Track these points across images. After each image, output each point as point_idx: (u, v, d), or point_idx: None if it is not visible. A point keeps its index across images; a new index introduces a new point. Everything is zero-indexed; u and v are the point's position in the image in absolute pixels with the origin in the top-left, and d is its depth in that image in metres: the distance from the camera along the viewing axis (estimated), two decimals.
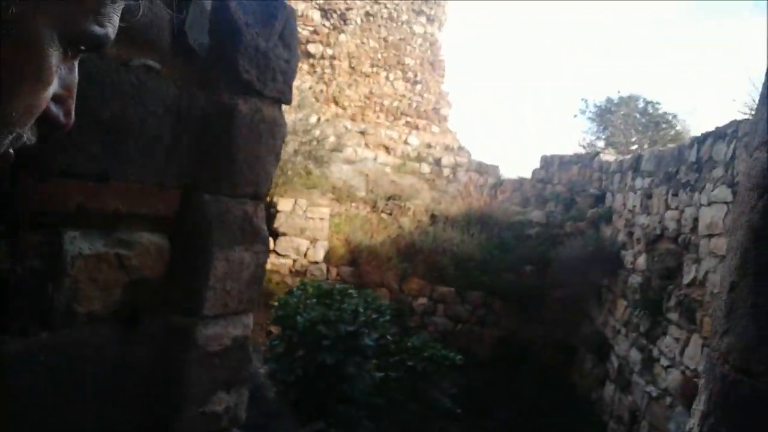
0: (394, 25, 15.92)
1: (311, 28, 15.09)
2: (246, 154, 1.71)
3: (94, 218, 1.40)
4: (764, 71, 1.37)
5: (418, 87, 16.13)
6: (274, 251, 8.62)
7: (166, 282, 1.63)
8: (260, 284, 1.88)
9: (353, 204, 9.68)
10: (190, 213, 1.63)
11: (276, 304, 4.85)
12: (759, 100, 1.28)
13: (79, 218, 1.36)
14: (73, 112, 0.54)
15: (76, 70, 0.54)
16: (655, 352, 6.06)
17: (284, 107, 1.89)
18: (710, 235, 5.33)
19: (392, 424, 4.68)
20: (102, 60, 1.33)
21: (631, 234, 7.70)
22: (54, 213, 1.30)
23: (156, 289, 1.61)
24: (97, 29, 0.50)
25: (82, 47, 0.51)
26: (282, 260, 8.60)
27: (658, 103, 15.38)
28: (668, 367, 5.67)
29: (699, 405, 1.12)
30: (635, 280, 7.06)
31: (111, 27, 0.51)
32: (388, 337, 4.45)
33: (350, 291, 4.61)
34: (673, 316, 5.76)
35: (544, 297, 9.09)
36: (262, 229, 1.83)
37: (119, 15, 0.52)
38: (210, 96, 1.61)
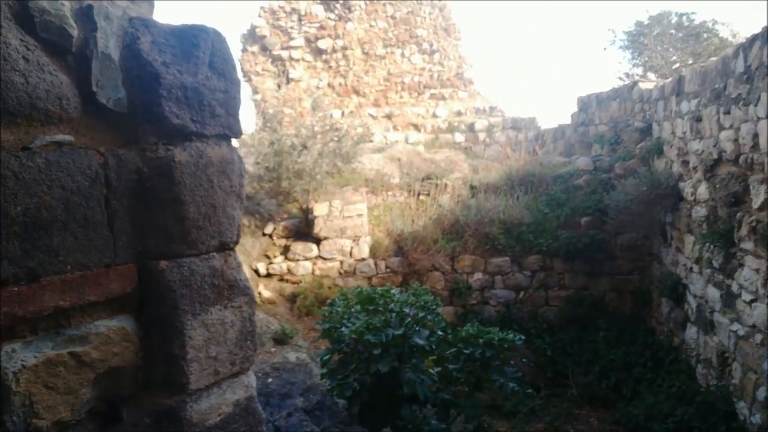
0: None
1: (317, 25, 14.83)
2: (198, 205, 1.53)
3: (32, 323, 1.26)
4: None
5: (436, 56, 15.59)
6: (320, 257, 8.57)
7: (143, 364, 1.49)
8: (253, 337, 1.71)
9: (389, 192, 9.47)
10: (150, 285, 1.47)
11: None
12: None
13: (13, 328, 1.23)
14: None
15: None
16: (735, 287, 5.57)
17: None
18: None
19: (462, 416, 4.49)
20: None
21: (686, 163, 7.12)
22: None
23: (132, 374, 1.46)
24: None
25: None
26: (329, 264, 8.53)
27: (692, 13, 14.29)
28: (752, 301, 5.19)
29: None
30: (699, 212, 6.52)
31: None
32: (439, 332, 4.24)
33: (392, 291, 4.42)
34: (748, 245, 5.26)
35: (607, 247, 8.63)
36: (239, 280, 1.65)
37: None
38: (141, 153, 1.44)
